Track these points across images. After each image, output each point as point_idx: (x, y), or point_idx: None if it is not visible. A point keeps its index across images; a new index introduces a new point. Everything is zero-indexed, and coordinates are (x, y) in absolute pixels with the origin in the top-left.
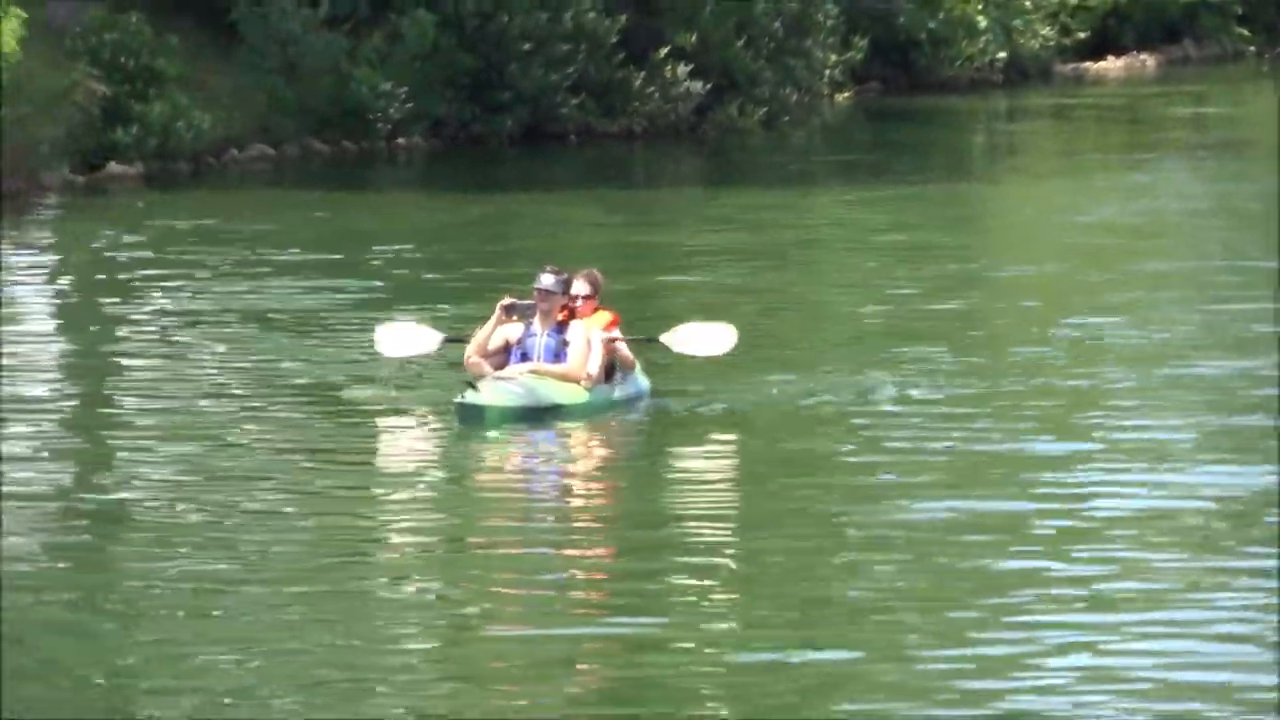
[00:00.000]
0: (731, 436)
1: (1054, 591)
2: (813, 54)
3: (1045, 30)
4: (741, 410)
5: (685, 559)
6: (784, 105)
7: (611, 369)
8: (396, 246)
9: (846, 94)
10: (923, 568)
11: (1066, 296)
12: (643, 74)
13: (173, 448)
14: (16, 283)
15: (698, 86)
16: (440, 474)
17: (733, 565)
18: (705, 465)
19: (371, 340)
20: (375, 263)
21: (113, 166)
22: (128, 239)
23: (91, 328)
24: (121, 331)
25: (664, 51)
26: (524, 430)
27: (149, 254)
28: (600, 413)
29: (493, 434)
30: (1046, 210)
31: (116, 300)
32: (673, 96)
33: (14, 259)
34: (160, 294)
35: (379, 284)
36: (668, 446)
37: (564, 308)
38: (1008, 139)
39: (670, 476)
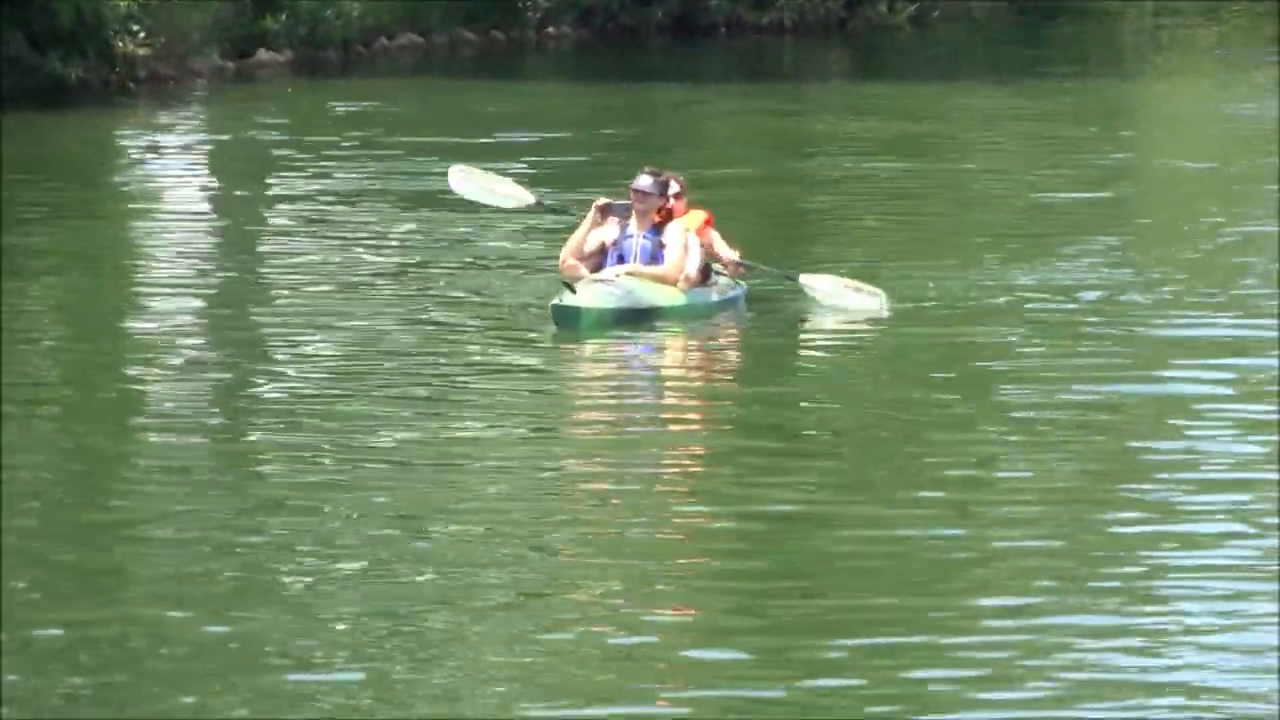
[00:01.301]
0: (840, 339)
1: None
2: None
3: None
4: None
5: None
6: (934, 1)
7: (708, 270)
8: (542, 134)
9: None
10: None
11: (1224, 189)
12: None
13: (297, 333)
14: (167, 164)
15: None
16: (535, 379)
17: (839, 472)
18: (814, 369)
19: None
20: (520, 148)
21: (262, 54)
22: (276, 123)
23: (239, 208)
24: (267, 212)
25: None
26: (622, 333)
27: (299, 138)
28: (698, 315)
29: (590, 337)
30: (1201, 104)
31: (264, 182)
32: None
33: (165, 141)
34: (304, 177)
35: (523, 168)
36: (772, 350)
37: (661, 209)
38: (1161, 35)
39: (774, 381)
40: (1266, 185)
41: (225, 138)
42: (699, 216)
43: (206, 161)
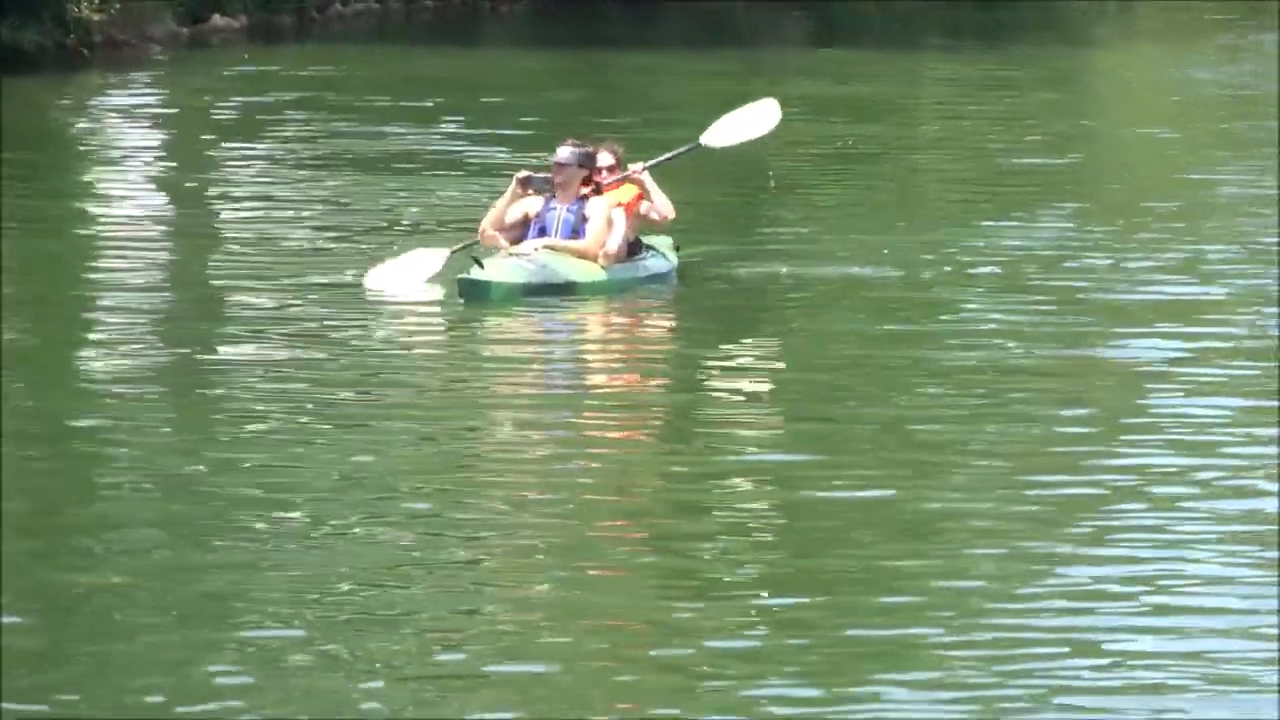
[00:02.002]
0: (768, 315)
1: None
2: None
3: None
4: (788, 284)
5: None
6: None
7: (637, 245)
8: (496, 99)
9: None
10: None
11: (1180, 154)
12: None
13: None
14: (123, 129)
15: None
16: (435, 358)
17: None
18: (736, 349)
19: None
20: (473, 113)
21: (217, 19)
22: (230, 88)
23: (193, 172)
24: (219, 174)
25: None
26: (532, 310)
27: (252, 100)
28: (619, 292)
29: (497, 312)
30: (1158, 70)
31: (218, 145)
32: None
33: (120, 105)
34: (258, 140)
35: (476, 132)
36: (697, 329)
37: (586, 181)
38: (1119, 5)
39: (691, 361)
40: (1223, 150)
41: (181, 103)
42: (630, 191)
43: (161, 126)
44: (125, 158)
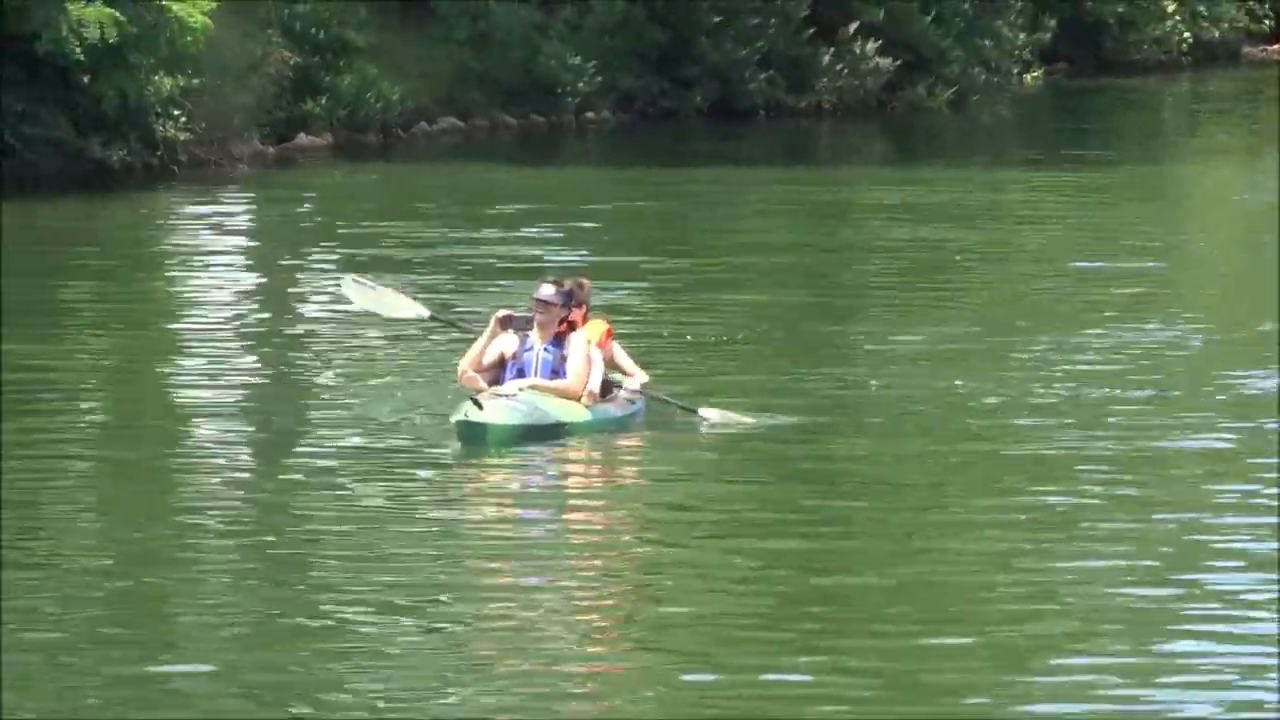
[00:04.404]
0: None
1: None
2: (1001, 33)
3: (1232, 13)
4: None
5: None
6: (973, 84)
7: (609, 385)
8: (583, 223)
9: (1035, 74)
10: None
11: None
12: (831, 50)
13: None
14: (208, 246)
15: (886, 63)
16: (443, 498)
17: (746, 584)
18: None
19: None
20: (559, 235)
21: (302, 138)
22: (318, 206)
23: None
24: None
25: (853, 27)
26: (527, 450)
27: (339, 221)
28: (602, 430)
29: (496, 454)
30: (1233, 186)
31: (303, 262)
32: (861, 73)
33: (208, 222)
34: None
35: (553, 244)
36: (683, 464)
37: (563, 320)
38: (1196, 121)
39: (685, 492)
40: None
41: (263, 219)
42: (600, 327)
43: (242, 242)
44: (206, 265)
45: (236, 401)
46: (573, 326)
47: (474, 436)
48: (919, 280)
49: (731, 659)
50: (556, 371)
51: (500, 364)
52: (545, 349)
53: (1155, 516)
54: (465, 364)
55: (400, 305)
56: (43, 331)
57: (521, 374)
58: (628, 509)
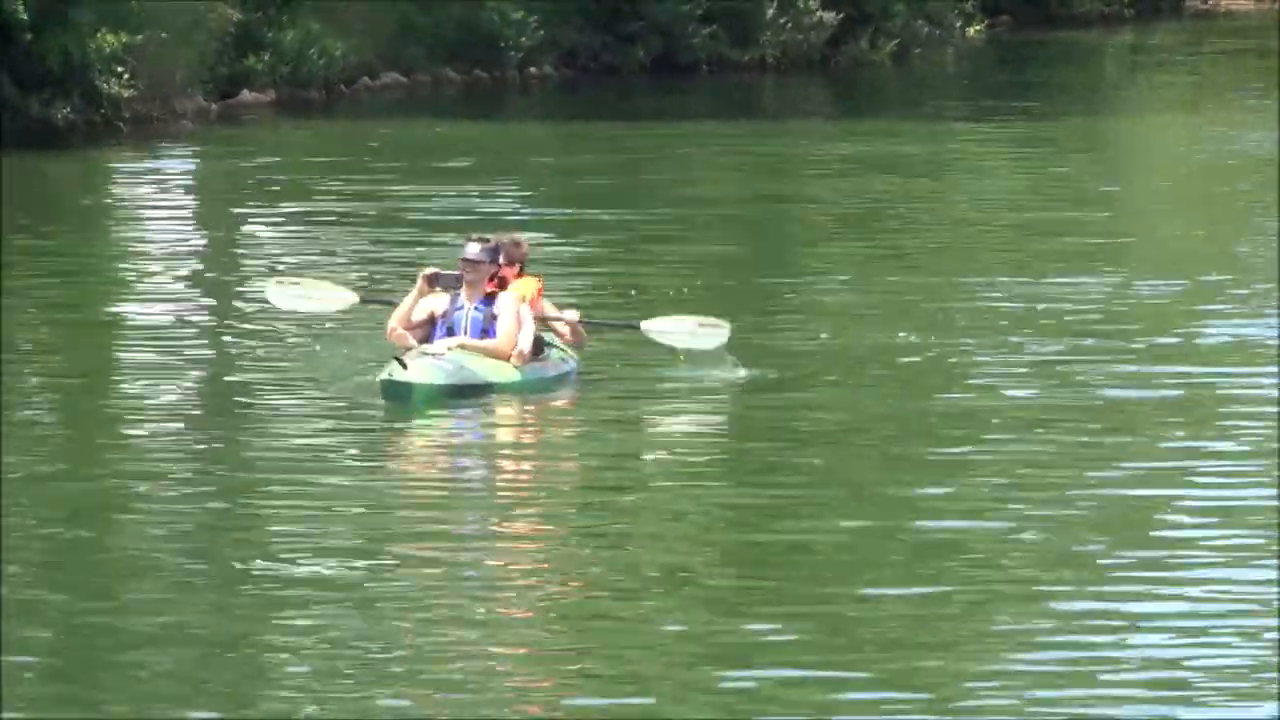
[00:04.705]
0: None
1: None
2: None
3: None
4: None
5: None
6: (915, 37)
7: (540, 343)
8: (527, 178)
9: (977, 28)
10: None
11: (1200, 217)
12: (774, 4)
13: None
14: (152, 201)
15: (830, 17)
16: (363, 459)
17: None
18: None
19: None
20: (502, 189)
21: (245, 94)
22: (262, 161)
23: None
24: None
25: None
26: (453, 410)
27: (284, 175)
28: (532, 390)
29: (420, 413)
30: (1177, 137)
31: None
32: (804, 27)
33: (152, 179)
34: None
35: (505, 202)
36: (607, 426)
37: (493, 278)
38: (1141, 74)
39: (613, 452)
40: (1243, 214)
41: (207, 175)
42: (531, 285)
43: (186, 198)
44: (150, 220)
45: (174, 358)
46: (504, 284)
47: (399, 396)
48: (864, 232)
49: (682, 611)
50: (486, 331)
51: (430, 322)
52: (475, 308)
53: (1111, 466)
54: (394, 322)
55: (327, 297)
56: None
57: (451, 333)
58: (566, 463)
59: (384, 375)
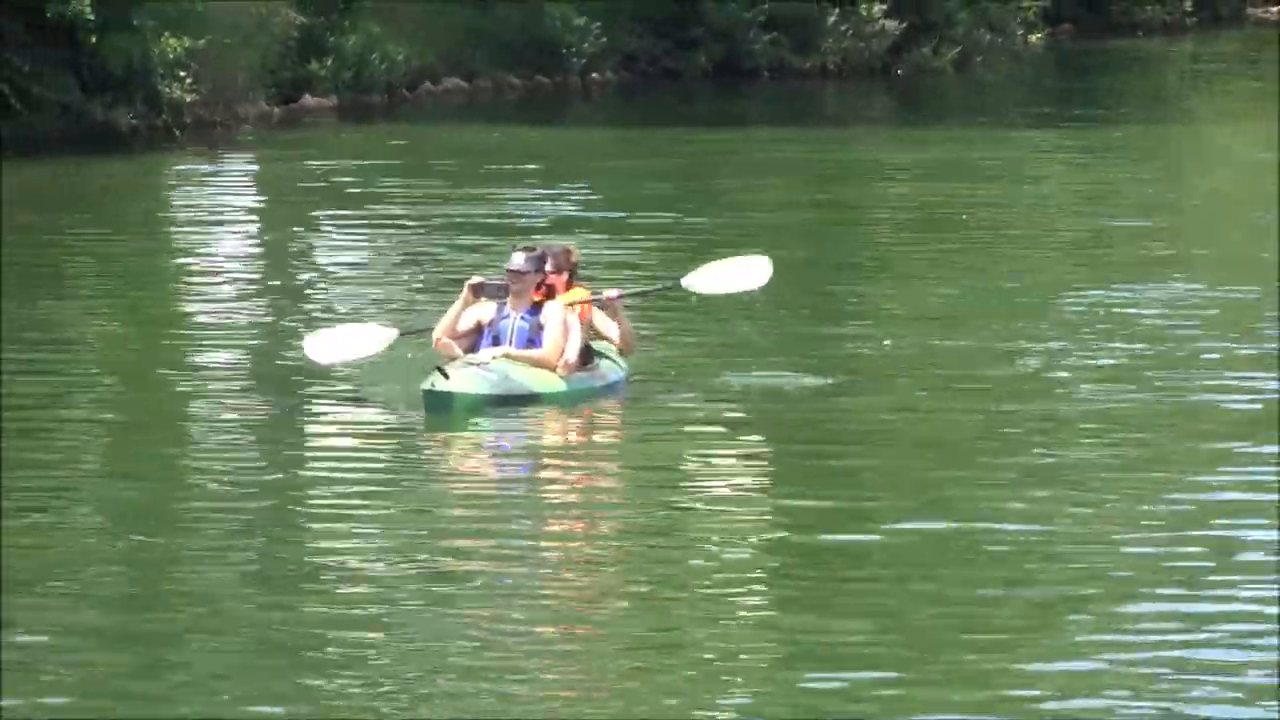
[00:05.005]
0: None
1: None
2: None
3: None
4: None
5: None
6: (977, 45)
7: (589, 353)
8: (587, 182)
9: (1039, 36)
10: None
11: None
12: (836, 11)
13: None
14: (214, 206)
15: (892, 25)
16: (404, 470)
17: (721, 572)
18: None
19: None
20: (563, 194)
21: (307, 99)
22: (323, 165)
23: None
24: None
25: None
26: (495, 421)
27: (346, 179)
28: (578, 402)
29: (462, 424)
30: (1244, 150)
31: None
32: (866, 35)
33: (213, 183)
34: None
35: (570, 208)
36: (659, 438)
37: (540, 286)
38: (1202, 82)
39: (667, 472)
40: None
41: (270, 179)
42: (580, 294)
43: (248, 202)
44: (211, 224)
45: (230, 361)
46: (553, 293)
47: (440, 406)
48: (925, 238)
49: (741, 615)
50: (532, 340)
51: (476, 332)
52: (521, 317)
53: (1178, 473)
54: (439, 331)
55: (366, 339)
56: (47, 292)
57: (496, 342)
58: (617, 469)
59: (425, 385)
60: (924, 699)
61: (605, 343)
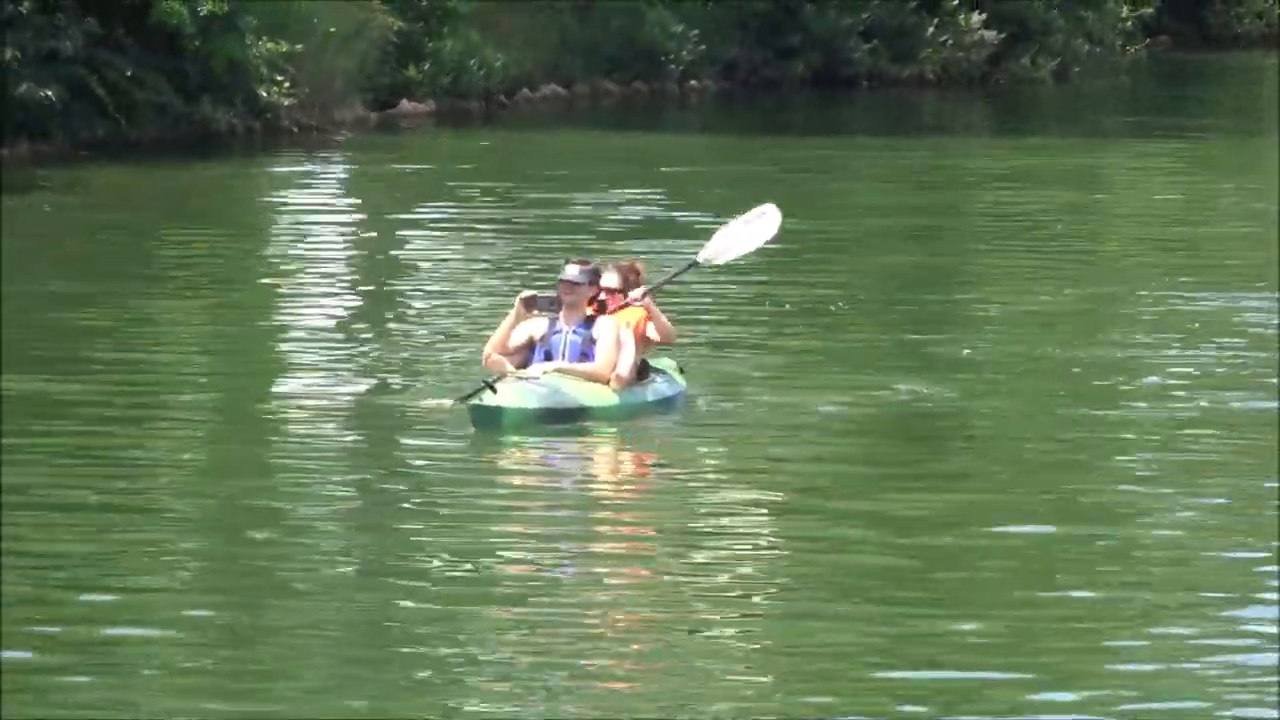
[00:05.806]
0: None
1: None
2: (1105, 5)
3: None
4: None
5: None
6: (1076, 56)
7: (644, 368)
8: (685, 189)
9: (1137, 46)
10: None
11: None
12: (935, 21)
13: None
14: (312, 208)
15: (991, 35)
16: (449, 486)
17: (770, 591)
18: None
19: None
20: (660, 200)
21: (404, 104)
22: (419, 168)
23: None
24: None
25: None
26: (546, 436)
27: (443, 183)
28: (631, 416)
29: (511, 440)
30: None
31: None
32: (965, 44)
33: (311, 186)
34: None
35: (664, 216)
36: (708, 455)
37: (593, 301)
38: None
39: (706, 488)
40: None
41: (368, 183)
42: (637, 313)
43: (345, 204)
44: (309, 227)
45: (323, 363)
46: (604, 309)
47: (489, 421)
48: (1024, 245)
49: (859, 611)
50: (585, 354)
51: (528, 346)
52: (573, 331)
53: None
54: (490, 347)
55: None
56: (146, 293)
57: (549, 357)
58: (716, 475)
59: (473, 400)
60: (1032, 701)
61: (663, 359)
